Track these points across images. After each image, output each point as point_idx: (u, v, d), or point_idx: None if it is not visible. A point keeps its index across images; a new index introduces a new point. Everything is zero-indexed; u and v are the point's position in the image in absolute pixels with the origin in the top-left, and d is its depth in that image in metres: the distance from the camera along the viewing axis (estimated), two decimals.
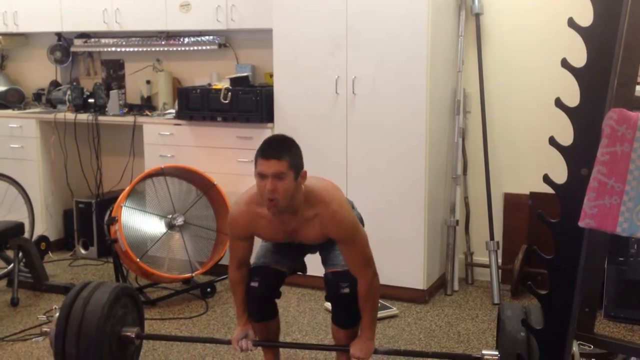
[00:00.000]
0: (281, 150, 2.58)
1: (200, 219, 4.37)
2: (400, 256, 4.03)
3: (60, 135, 5.08)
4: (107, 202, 4.71)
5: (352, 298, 2.76)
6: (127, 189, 4.15)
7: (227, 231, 3.08)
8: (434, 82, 3.94)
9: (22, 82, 5.73)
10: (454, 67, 4.28)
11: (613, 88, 1.99)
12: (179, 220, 4.28)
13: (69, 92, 5.12)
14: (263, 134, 4.20)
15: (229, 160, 4.40)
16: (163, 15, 4.75)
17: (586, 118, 2.04)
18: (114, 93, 4.99)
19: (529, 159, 4.25)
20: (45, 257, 4.79)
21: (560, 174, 2.13)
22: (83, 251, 5.01)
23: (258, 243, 2.94)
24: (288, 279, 3.00)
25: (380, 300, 3.77)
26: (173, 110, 4.77)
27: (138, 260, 3.98)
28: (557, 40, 3.94)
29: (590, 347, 2.59)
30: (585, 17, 2.04)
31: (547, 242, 2.19)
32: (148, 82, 5.20)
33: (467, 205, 4.44)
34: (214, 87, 4.52)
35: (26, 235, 4.40)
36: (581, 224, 1.96)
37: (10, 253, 4.31)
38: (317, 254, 3.00)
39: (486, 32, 4.29)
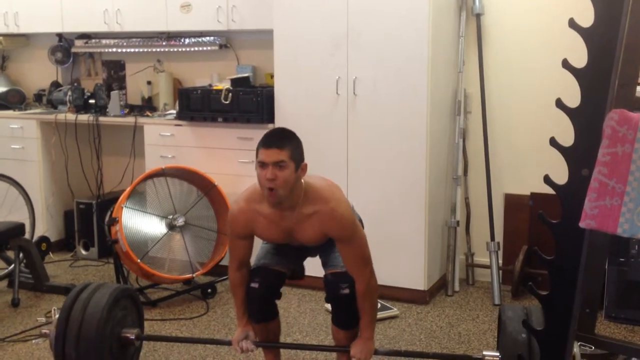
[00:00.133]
0: (283, 140, 2.60)
1: (200, 219, 4.37)
2: (401, 257, 4.02)
3: (61, 136, 5.08)
4: (108, 202, 4.71)
5: (352, 299, 2.76)
6: (128, 189, 4.15)
7: (227, 232, 3.08)
8: (435, 82, 3.94)
9: (23, 82, 5.72)
10: (455, 68, 4.27)
11: (614, 89, 1.99)
12: (180, 221, 4.28)
13: (69, 93, 5.12)
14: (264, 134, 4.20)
15: (229, 161, 4.40)
16: (164, 16, 4.75)
17: (587, 119, 2.04)
18: (114, 94, 4.99)
19: (529, 160, 4.25)
20: (46, 257, 4.79)
21: (561, 175, 2.13)
22: (84, 252, 5.01)
23: (258, 245, 2.94)
24: (288, 280, 3.00)
25: (380, 301, 3.79)
26: (174, 111, 4.76)
27: (139, 261, 3.98)
28: (558, 40, 3.93)
29: (591, 348, 2.59)
30: (586, 18, 2.04)
31: (548, 242, 2.19)
32: (149, 82, 5.20)
33: (467, 205, 4.43)
34: (214, 87, 4.51)
35: (27, 235, 4.40)
36: (582, 224, 1.96)
37: (10, 254, 4.31)
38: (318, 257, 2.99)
39: (487, 32, 4.29)
